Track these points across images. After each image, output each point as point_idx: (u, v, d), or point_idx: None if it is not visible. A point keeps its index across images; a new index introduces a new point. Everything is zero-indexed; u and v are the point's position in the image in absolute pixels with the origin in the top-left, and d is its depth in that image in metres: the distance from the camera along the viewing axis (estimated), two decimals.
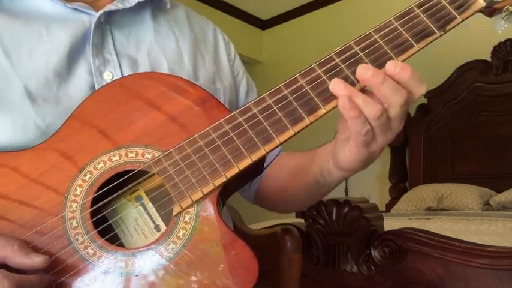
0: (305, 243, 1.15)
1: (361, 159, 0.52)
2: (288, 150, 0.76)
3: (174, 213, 0.48)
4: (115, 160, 0.49)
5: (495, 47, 2.81)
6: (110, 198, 0.49)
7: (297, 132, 0.50)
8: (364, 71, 0.47)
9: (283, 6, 4.15)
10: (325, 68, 0.50)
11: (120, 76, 0.60)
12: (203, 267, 0.46)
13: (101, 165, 0.49)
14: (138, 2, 0.65)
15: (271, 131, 0.49)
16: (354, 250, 1.07)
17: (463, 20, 0.51)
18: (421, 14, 0.51)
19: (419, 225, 1.63)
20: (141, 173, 0.50)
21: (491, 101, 2.82)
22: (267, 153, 0.50)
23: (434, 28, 0.50)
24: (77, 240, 0.46)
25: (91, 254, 0.46)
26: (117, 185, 0.49)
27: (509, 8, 0.52)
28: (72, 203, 0.48)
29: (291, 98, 0.50)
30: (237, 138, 0.49)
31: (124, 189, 0.50)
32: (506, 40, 2.76)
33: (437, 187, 2.76)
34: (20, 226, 0.46)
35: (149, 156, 0.50)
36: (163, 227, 0.50)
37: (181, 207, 0.48)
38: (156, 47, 0.67)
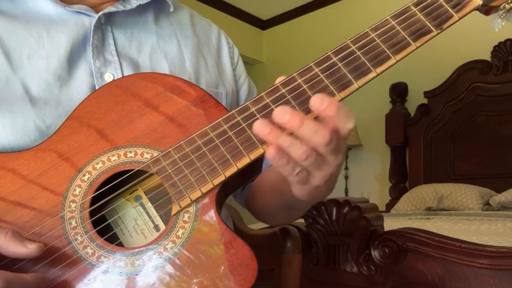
0: (305, 243, 1.14)
1: (309, 192, 0.50)
2: None
3: (173, 212, 0.48)
4: (114, 160, 0.50)
5: (495, 47, 2.82)
6: (109, 197, 0.50)
7: None
8: (281, 115, 0.42)
9: (283, 6, 4.15)
10: (322, 66, 0.50)
11: None
12: (202, 266, 0.46)
13: (100, 165, 0.49)
14: (140, 4, 0.65)
15: None
16: (354, 250, 1.07)
17: (460, 18, 0.51)
18: (418, 12, 0.51)
19: (419, 225, 1.63)
20: (140, 172, 0.50)
21: (491, 101, 2.82)
22: (265, 151, 0.50)
23: (431, 26, 0.50)
24: (76, 240, 0.47)
25: (90, 254, 0.46)
26: (116, 185, 0.49)
27: (506, 6, 0.52)
28: (71, 203, 0.48)
29: (288, 96, 0.50)
30: (235, 137, 0.49)
31: (123, 188, 0.50)
32: (506, 40, 2.77)
33: (437, 187, 2.76)
34: (19, 227, 0.46)
35: (148, 155, 0.50)
36: (162, 226, 0.50)
37: (180, 207, 0.48)
38: (158, 51, 0.67)
